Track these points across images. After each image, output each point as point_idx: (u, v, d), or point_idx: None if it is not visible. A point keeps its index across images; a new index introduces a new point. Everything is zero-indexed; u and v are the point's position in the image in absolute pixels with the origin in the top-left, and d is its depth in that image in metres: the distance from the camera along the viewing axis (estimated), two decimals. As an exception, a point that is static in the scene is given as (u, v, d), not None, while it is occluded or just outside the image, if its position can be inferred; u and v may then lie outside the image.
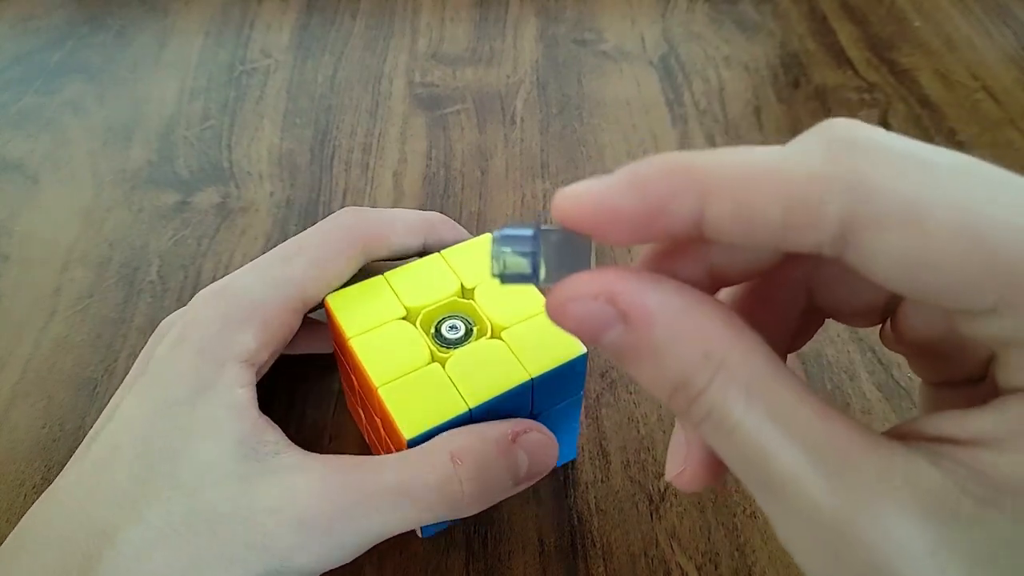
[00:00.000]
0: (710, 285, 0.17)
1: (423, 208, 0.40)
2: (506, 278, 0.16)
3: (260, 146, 0.44)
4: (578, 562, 0.27)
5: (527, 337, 0.25)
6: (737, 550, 0.28)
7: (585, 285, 0.15)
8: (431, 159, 0.43)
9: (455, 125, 0.45)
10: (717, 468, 0.18)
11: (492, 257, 0.16)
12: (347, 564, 0.27)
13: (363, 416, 0.28)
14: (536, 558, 0.27)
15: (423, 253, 0.29)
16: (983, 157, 0.14)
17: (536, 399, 0.25)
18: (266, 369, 0.26)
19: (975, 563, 0.13)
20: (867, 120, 0.15)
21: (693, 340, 0.15)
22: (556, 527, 0.28)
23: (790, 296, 0.18)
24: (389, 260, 0.28)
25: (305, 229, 0.28)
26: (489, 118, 0.46)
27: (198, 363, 0.24)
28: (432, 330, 0.26)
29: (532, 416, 0.26)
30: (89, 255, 0.38)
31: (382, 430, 0.26)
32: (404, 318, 0.26)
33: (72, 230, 0.39)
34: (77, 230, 0.39)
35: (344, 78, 0.48)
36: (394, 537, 0.28)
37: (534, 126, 0.45)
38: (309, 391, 0.32)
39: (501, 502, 0.29)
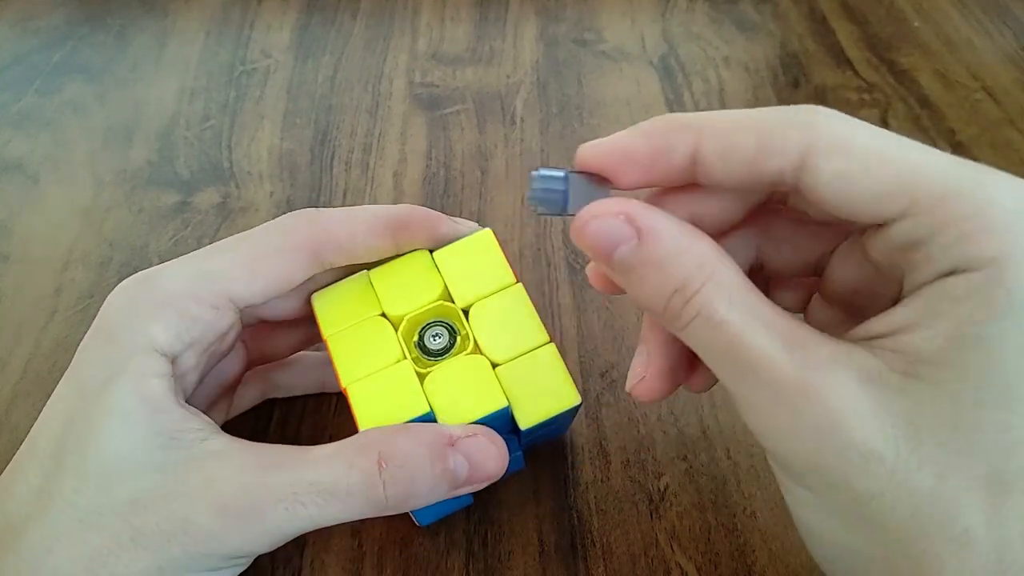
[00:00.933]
0: None
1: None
2: (540, 208, 0.20)
3: (260, 146, 0.44)
4: (578, 562, 0.27)
5: (523, 379, 0.24)
6: (737, 550, 0.28)
7: (608, 206, 0.19)
8: (431, 159, 0.43)
9: (455, 125, 0.45)
10: (672, 377, 0.22)
11: (529, 190, 0.20)
12: (347, 563, 0.27)
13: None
14: (536, 558, 0.27)
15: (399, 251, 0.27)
16: (983, 157, 0.14)
17: (522, 439, 0.25)
18: (197, 368, 0.25)
19: (906, 421, 0.17)
20: (867, 120, 0.18)
21: (691, 254, 0.19)
22: (556, 527, 0.28)
23: (744, 254, 0.22)
24: (356, 263, 0.26)
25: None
26: (489, 118, 0.46)
27: (107, 351, 0.23)
28: (415, 339, 0.25)
29: (518, 431, 0.25)
30: (89, 255, 0.38)
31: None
32: (382, 314, 0.26)
33: (72, 230, 0.39)
34: (77, 230, 0.39)
35: (344, 78, 0.48)
36: (394, 536, 0.28)
37: (534, 126, 0.45)
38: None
39: (501, 502, 0.29)
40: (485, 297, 0.26)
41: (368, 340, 0.25)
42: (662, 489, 0.29)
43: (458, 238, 0.27)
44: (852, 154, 0.18)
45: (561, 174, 0.20)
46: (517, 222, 0.39)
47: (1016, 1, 0.56)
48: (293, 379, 0.31)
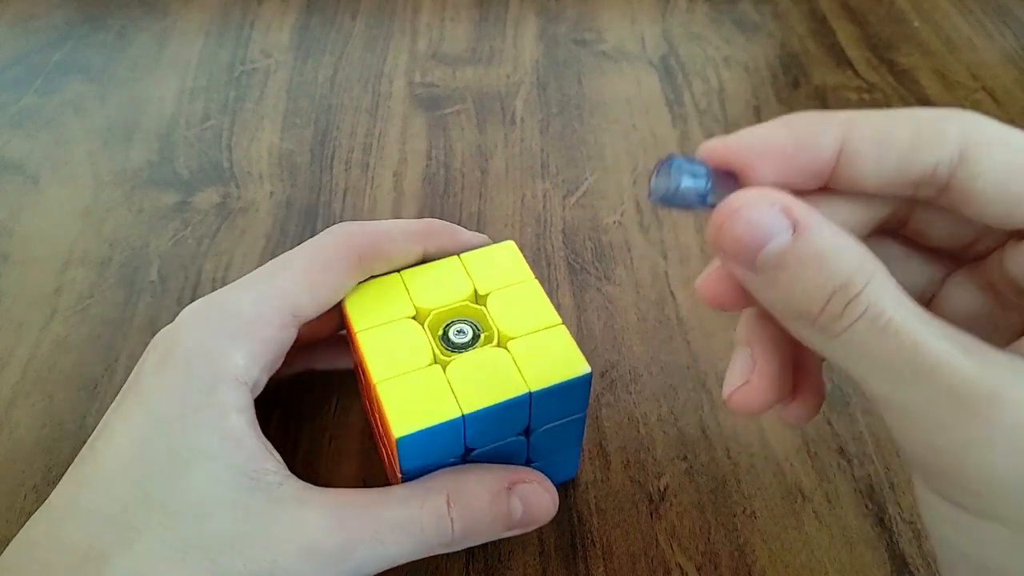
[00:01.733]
0: None
1: (423, 209, 0.40)
2: (676, 197, 0.18)
3: (260, 146, 0.44)
4: (578, 562, 0.27)
5: (533, 351, 0.25)
6: (737, 550, 0.28)
7: (761, 195, 0.17)
8: (431, 159, 0.43)
9: (455, 125, 0.45)
10: (779, 385, 0.20)
11: (665, 181, 0.18)
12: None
13: (370, 409, 0.29)
14: (536, 558, 0.27)
15: (424, 262, 0.28)
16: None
17: (534, 414, 0.25)
18: (261, 387, 0.26)
19: None
20: None
21: (853, 251, 0.17)
22: (556, 527, 0.28)
23: None
24: (389, 271, 0.28)
25: (305, 229, 0.28)
26: (489, 118, 0.46)
27: (188, 382, 0.23)
28: (440, 332, 0.26)
29: (529, 430, 0.26)
30: (89, 255, 0.38)
31: (380, 425, 0.26)
32: (413, 318, 0.26)
33: (72, 230, 0.39)
34: (77, 230, 0.39)
35: (344, 78, 0.48)
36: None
37: (534, 126, 0.45)
38: (310, 392, 0.32)
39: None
40: (504, 288, 0.27)
41: (399, 340, 0.25)
42: (662, 489, 0.29)
43: (475, 246, 0.28)
44: (1013, 148, 0.17)
45: (703, 165, 0.18)
46: (517, 222, 0.39)
47: (1016, 1, 0.56)
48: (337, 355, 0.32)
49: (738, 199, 0.17)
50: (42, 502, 0.29)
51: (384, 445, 0.27)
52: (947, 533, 0.18)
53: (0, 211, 0.40)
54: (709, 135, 0.44)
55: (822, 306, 0.17)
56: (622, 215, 0.40)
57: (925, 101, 0.47)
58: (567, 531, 0.28)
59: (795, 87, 0.48)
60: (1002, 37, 0.53)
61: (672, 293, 0.36)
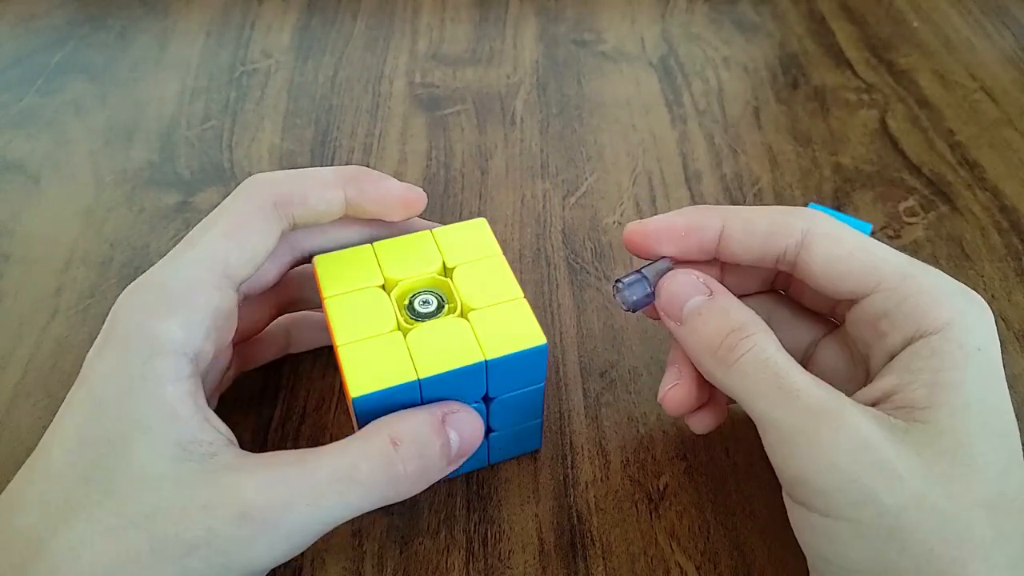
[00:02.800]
0: None
1: (423, 209, 0.40)
2: (637, 306, 0.27)
3: (261, 146, 0.44)
4: (578, 561, 0.27)
5: (492, 321, 0.26)
6: (736, 549, 0.28)
7: (688, 272, 0.26)
8: (431, 159, 0.43)
9: (455, 125, 0.45)
10: (701, 388, 0.26)
11: (624, 302, 0.26)
12: (347, 563, 0.27)
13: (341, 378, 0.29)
14: (536, 558, 0.28)
15: (352, 210, 0.27)
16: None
17: (491, 382, 0.26)
18: (209, 356, 0.25)
19: (915, 453, 0.21)
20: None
21: (747, 310, 0.25)
22: (556, 526, 0.28)
23: None
24: (314, 222, 0.27)
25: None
26: (489, 118, 0.46)
27: (125, 360, 0.23)
28: (406, 303, 0.27)
29: (487, 399, 0.26)
30: (90, 255, 0.38)
31: (344, 389, 0.27)
32: (382, 287, 0.27)
33: (73, 230, 0.39)
34: (78, 230, 0.39)
35: (344, 78, 0.48)
36: (394, 536, 0.28)
37: (534, 126, 0.45)
38: (310, 389, 0.32)
39: (501, 501, 0.29)
40: (471, 261, 0.28)
41: (365, 307, 0.26)
42: (661, 488, 0.29)
43: (401, 197, 0.28)
44: (839, 242, 0.24)
45: (637, 277, 0.26)
46: (517, 222, 0.40)
47: (1015, 2, 0.56)
48: (310, 334, 0.33)
49: (673, 275, 0.26)
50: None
51: (350, 413, 0.27)
52: (808, 539, 0.23)
53: (1, 211, 0.40)
54: (708, 135, 0.45)
55: (722, 340, 0.24)
56: (622, 215, 0.40)
57: (924, 101, 0.47)
58: (567, 530, 0.28)
59: (794, 87, 0.49)
60: (1001, 37, 0.53)
61: (671, 293, 0.36)
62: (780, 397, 0.22)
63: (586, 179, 0.42)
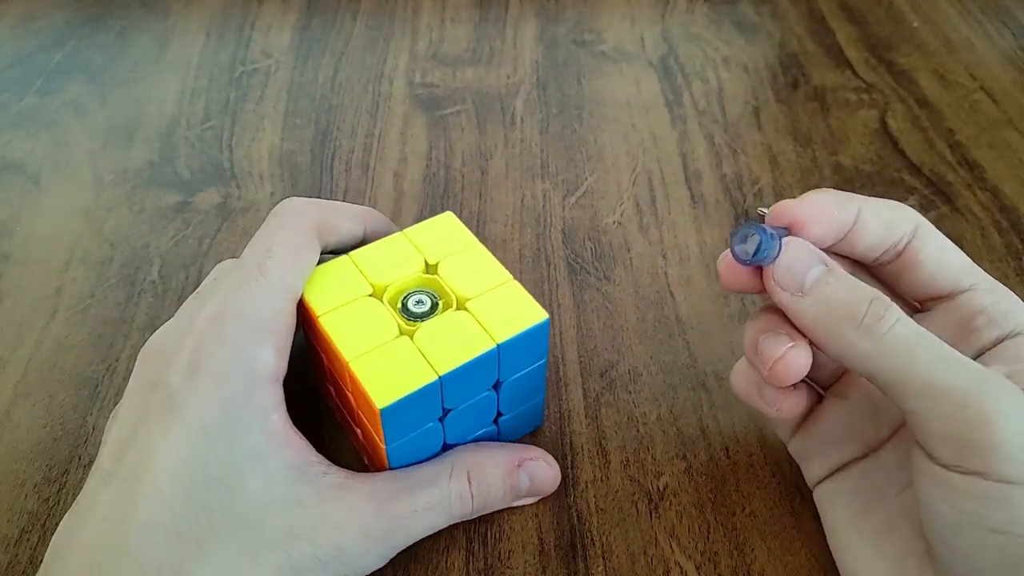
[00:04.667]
0: None
1: (423, 209, 0.40)
2: (752, 262, 0.24)
3: (261, 146, 0.44)
4: (578, 561, 0.27)
5: (491, 307, 0.26)
6: (736, 549, 0.28)
7: (803, 243, 0.24)
8: (431, 159, 0.43)
9: (455, 125, 0.45)
10: (809, 357, 0.24)
11: (739, 249, 0.24)
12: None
13: (333, 392, 0.29)
14: (536, 557, 0.28)
15: (363, 243, 0.29)
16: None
17: (502, 366, 0.26)
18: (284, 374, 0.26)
19: None
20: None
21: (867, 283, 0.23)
22: (556, 526, 0.28)
23: None
24: (336, 250, 0.28)
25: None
26: (489, 118, 0.46)
27: (226, 392, 0.23)
28: (399, 306, 0.27)
29: (499, 383, 0.27)
30: (90, 255, 0.38)
31: (354, 404, 0.26)
32: (371, 295, 0.27)
33: (73, 230, 0.39)
34: (78, 230, 0.39)
35: (344, 79, 0.48)
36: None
37: (534, 126, 0.45)
38: (310, 391, 0.32)
39: (501, 501, 0.29)
40: (452, 254, 0.28)
41: (363, 318, 0.26)
42: (661, 488, 0.29)
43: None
44: (944, 238, 0.25)
45: (770, 232, 0.24)
46: (517, 222, 0.40)
47: (1015, 2, 0.56)
48: None
49: (794, 241, 0.24)
50: (42, 501, 0.29)
51: (358, 423, 0.27)
52: (974, 508, 0.21)
53: (1, 211, 0.40)
54: (708, 135, 0.45)
55: (866, 308, 0.22)
56: (622, 215, 0.40)
57: (924, 101, 0.47)
58: (567, 530, 0.28)
59: (794, 87, 0.49)
60: (1000, 37, 0.53)
61: (671, 293, 0.36)
62: (951, 364, 0.21)
63: (586, 179, 0.42)
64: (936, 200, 0.41)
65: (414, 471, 0.26)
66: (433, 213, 0.40)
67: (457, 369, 0.25)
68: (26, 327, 0.35)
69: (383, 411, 0.23)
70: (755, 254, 0.23)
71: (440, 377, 0.24)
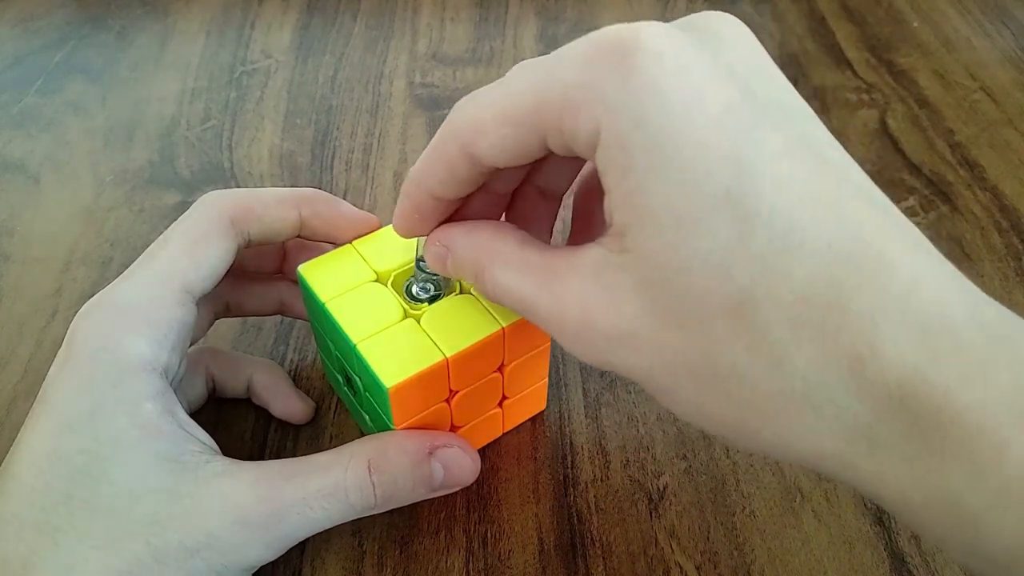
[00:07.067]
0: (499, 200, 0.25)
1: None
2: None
3: (261, 146, 0.44)
4: (578, 561, 0.27)
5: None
6: (736, 549, 0.28)
7: (431, 239, 0.24)
8: (431, 159, 0.43)
9: (455, 125, 0.45)
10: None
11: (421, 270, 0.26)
12: (347, 563, 0.27)
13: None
14: (536, 557, 0.28)
15: (305, 230, 0.28)
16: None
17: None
18: (176, 367, 0.25)
19: (638, 295, 0.18)
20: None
21: (474, 249, 0.23)
22: (556, 526, 0.28)
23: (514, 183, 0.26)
24: (267, 240, 0.28)
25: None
26: (489, 118, 0.46)
27: (92, 381, 0.23)
28: (403, 291, 0.27)
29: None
30: (90, 255, 0.38)
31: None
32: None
33: (73, 230, 0.39)
34: (78, 230, 0.39)
35: (345, 78, 0.48)
36: (394, 536, 0.28)
37: (534, 126, 0.45)
38: (310, 389, 0.32)
39: (501, 501, 0.29)
40: None
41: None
42: (661, 488, 0.29)
43: (356, 218, 0.29)
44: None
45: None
46: (517, 222, 0.40)
47: (1015, 2, 0.56)
48: (250, 300, 0.31)
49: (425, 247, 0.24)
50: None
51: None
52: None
53: (1, 211, 0.40)
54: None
55: (474, 281, 0.23)
56: (622, 215, 0.40)
57: (924, 101, 0.47)
58: (567, 530, 0.28)
59: (794, 87, 0.48)
60: (1000, 37, 0.53)
61: (671, 293, 0.36)
62: (522, 311, 0.21)
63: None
64: (936, 200, 0.41)
65: (311, 458, 0.25)
66: (433, 213, 0.40)
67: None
68: (26, 327, 0.35)
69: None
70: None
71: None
